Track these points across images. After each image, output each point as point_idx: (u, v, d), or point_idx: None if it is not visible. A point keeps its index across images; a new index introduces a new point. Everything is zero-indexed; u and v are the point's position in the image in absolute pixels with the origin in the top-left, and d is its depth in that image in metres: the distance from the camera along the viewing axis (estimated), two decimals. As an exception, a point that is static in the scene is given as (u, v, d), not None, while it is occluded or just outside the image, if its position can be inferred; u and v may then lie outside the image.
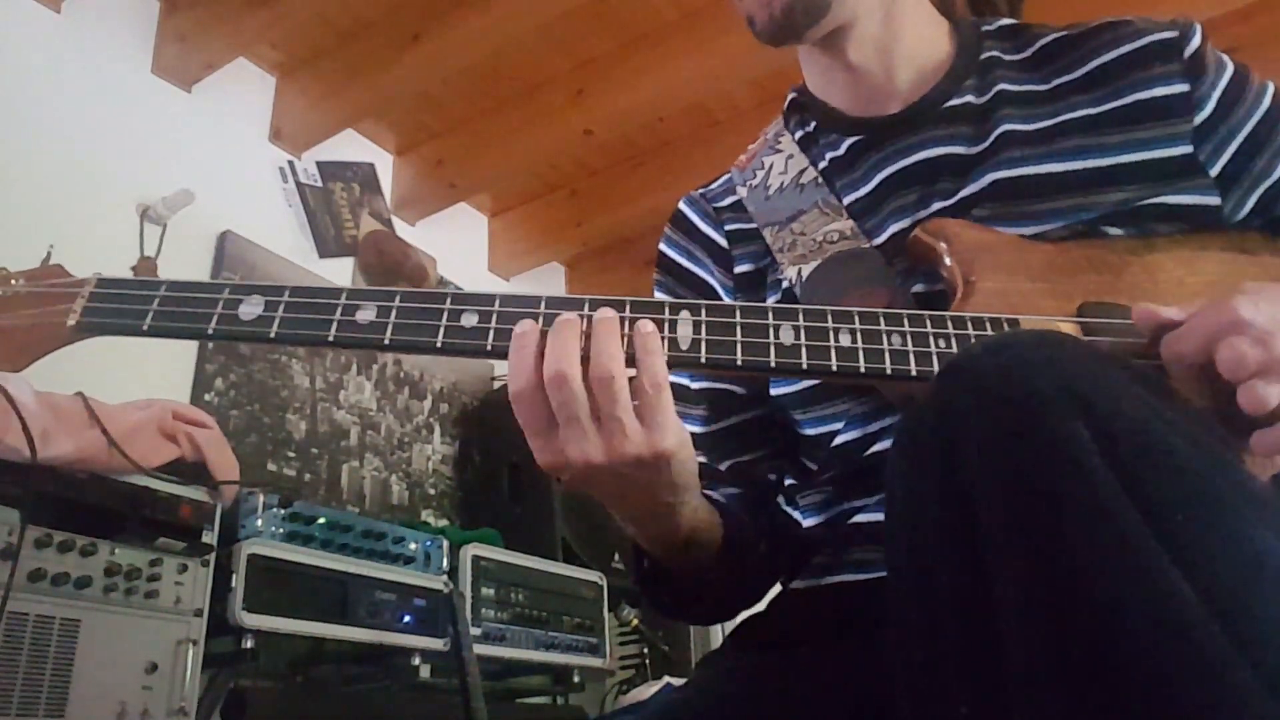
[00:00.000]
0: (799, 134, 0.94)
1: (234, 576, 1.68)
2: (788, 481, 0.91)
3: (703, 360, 0.67)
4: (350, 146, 3.08)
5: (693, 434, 0.91)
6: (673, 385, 0.92)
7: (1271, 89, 0.83)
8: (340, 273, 2.91)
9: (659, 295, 0.97)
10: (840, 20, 0.85)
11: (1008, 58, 0.88)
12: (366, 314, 0.68)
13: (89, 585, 1.47)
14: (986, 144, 0.83)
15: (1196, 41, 0.81)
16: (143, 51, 2.55)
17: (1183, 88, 0.80)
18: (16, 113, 2.18)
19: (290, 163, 2.89)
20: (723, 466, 0.90)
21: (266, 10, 2.47)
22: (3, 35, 2.22)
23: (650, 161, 3.26)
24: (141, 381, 1.94)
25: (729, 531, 0.79)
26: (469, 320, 0.67)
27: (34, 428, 1.38)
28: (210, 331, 0.69)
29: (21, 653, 1.37)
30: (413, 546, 2.05)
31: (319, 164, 2.97)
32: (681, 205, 0.98)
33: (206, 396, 2.35)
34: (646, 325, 0.64)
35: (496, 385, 3.16)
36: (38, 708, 1.36)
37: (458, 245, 3.42)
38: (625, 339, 0.64)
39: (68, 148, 2.26)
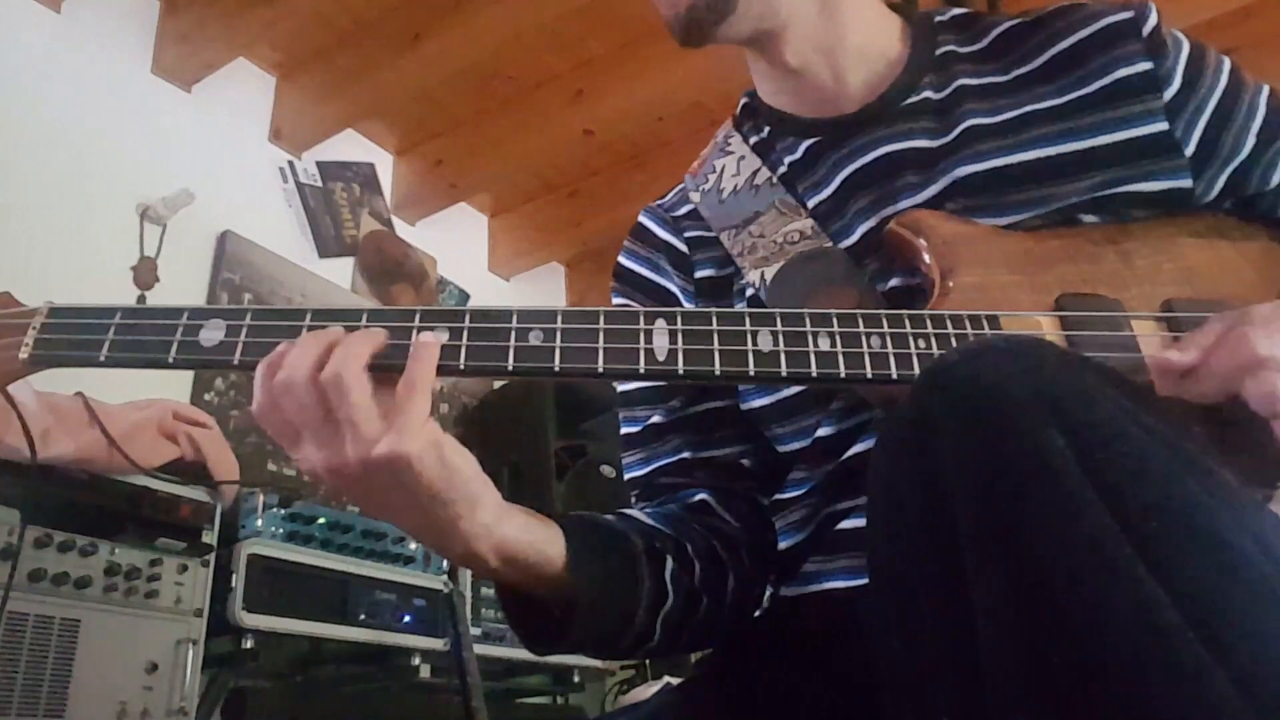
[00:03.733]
0: (754, 139, 0.92)
1: (234, 576, 1.69)
2: (768, 499, 0.87)
3: (680, 372, 0.66)
4: (350, 146, 3.08)
5: (658, 424, 0.88)
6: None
7: (1228, 62, 0.83)
8: (340, 273, 2.92)
9: (616, 301, 0.95)
10: (760, 21, 0.83)
11: (963, 50, 0.87)
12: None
13: (89, 585, 1.47)
14: (951, 138, 0.82)
15: (1154, 19, 0.81)
16: (143, 51, 2.55)
17: (1146, 66, 0.79)
18: (16, 113, 2.18)
19: (290, 163, 2.89)
20: (687, 455, 0.87)
21: (266, 10, 2.47)
22: (3, 35, 2.22)
23: (650, 161, 3.26)
24: (141, 381, 1.94)
25: (589, 555, 0.71)
26: (440, 339, 0.66)
27: (34, 428, 1.38)
28: (171, 360, 0.66)
29: (21, 653, 1.37)
30: (413, 546, 2.05)
31: (319, 164, 2.97)
32: (641, 217, 0.96)
33: (206, 396, 2.35)
34: (426, 336, 0.64)
35: (496, 385, 3.16)
36: (38, 708, 1.36)
37: (458, 245, 3.42)
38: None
39: (67, 148, 2.26)
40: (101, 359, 0.67)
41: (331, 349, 0.62)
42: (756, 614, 0.88)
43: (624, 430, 0.92)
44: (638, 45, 2.77)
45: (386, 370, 0.63)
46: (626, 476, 0.92)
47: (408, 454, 0.60)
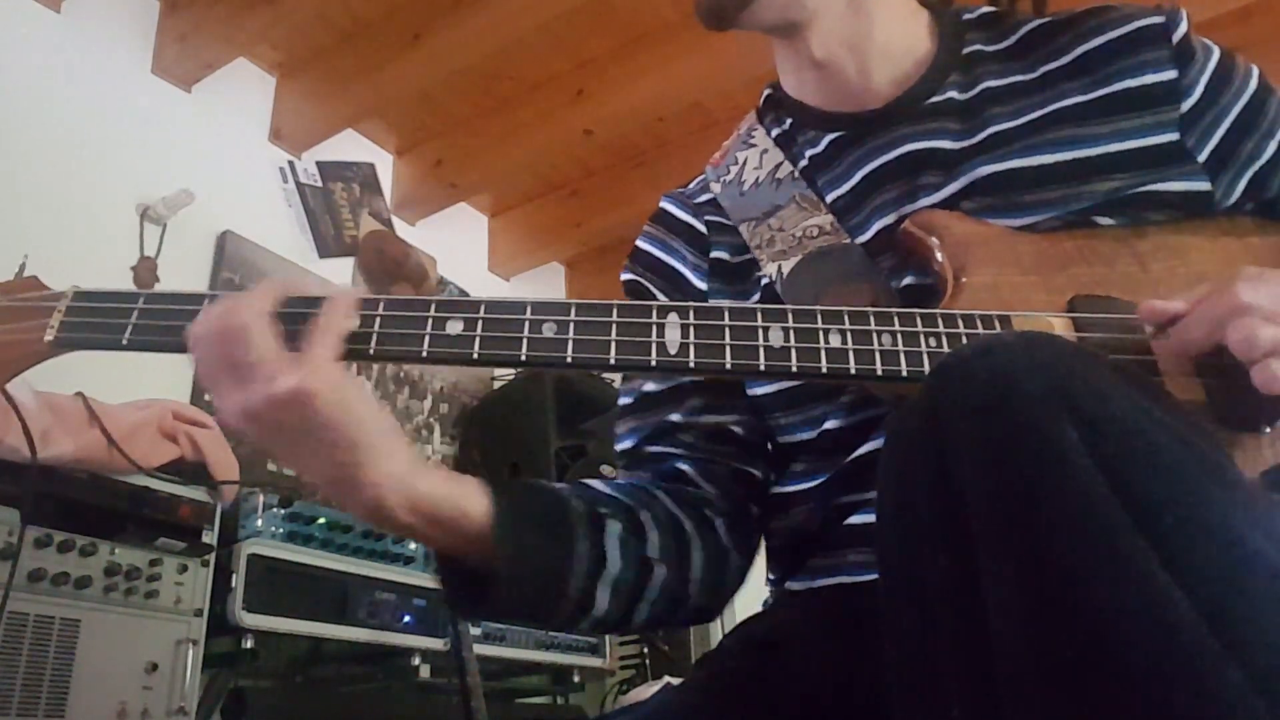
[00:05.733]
0: (775, 132, 0.93)
1: (234, 576, 1.68)
2: (776, 490, 0.87)
3: (691, 365, 0.66)
4: (350, 146, 3.08)
5: (652, 391, 0.88)
6: None
7: (1256, 71, 0.83)
8: (340, 273, 2.91)
9: (624, 277, 0.96)
10: (785, 11, 0.84)
11: (990, 49, 0.87)
12: (350, 322, 0.67)
13: (89, 585, 1.47)
14: (974, 140, 0.82)
15: (1184, 27, 0.81)
16: (143, 51, 2.55)
17: (1171, 74, 0.79)
18: (16, 113, 2.18)
19: (290, 163, 2.89)
20: (676, 418, 0.87)
21: (266, 10, 2.47)
22: (3, 35, 2.22)
23: (650, 161, 3.26)
24: (142, 381, 1.94)
25: (515, 513, 0.69)
26: (454, 328, 0.67)
27: (34, 428, 1.38)
28: None
29: (21, 653, 1.37)
30: (413, 546, 2.05)
31: (319, 164, 2.97)
32: (661, 202, 0.97)
33: (206, 396, 2.34)
34: (343, 297, 0.67)
35: (497, 385, 3.16)
36: (38, 708, 1.36)
37: (458, 245, 3.42)
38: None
39: (68, 148, 2.26)
40: (124, 342, 0.68)
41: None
42: (760, 608, 0.87)
43: (620, 402, 0.92)
44: (638, 45, 2.77)
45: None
46: (617, 449, 0.91)
47: (309, 389, 0.61)
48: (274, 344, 0.63)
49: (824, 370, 0.67)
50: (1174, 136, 0.78)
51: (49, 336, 0.69)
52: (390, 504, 0.65)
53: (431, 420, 3.04)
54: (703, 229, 0.92)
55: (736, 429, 0.86)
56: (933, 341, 0.67)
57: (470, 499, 0.68)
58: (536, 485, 0.76)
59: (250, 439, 0.65)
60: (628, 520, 0.76)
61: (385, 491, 0.65)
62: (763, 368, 0.67)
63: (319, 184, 2.95)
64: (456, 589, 0.71)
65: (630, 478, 0.86)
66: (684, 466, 0.85)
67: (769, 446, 0.87)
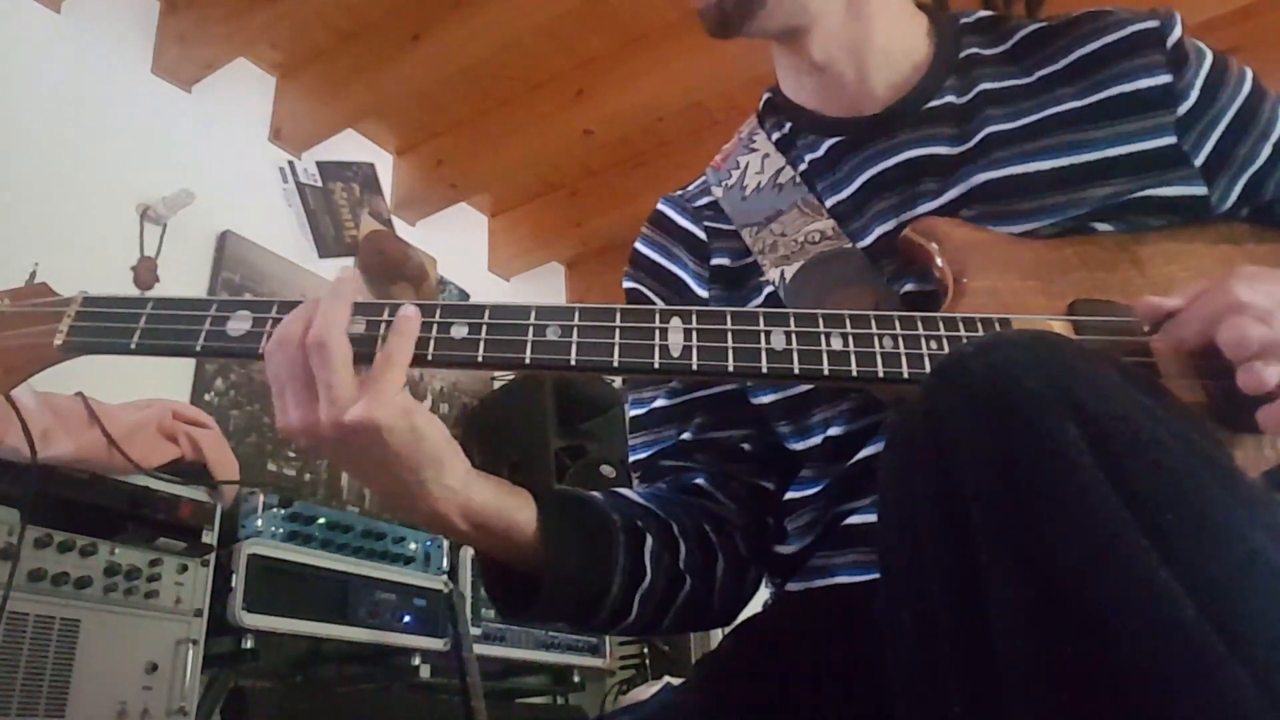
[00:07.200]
0: (775, 136, 0.93)
1: (234, 576, 1.69)
2: (786, 496, 0.87)
3: (694, 368, 0.67)
4: (350, 146, 3.08)
5: (663, 408, 0.89)
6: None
7: (1250, 74, 0.83)
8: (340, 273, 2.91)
9: (626, 285, 0.96)
10: (789, 18, 0.85)
11: (987, 52, 0.87)
12: (357, 327, 0.68)
13: (89, 585, 1.47)
14: (971, 145, 0.82)
15: (1178, 31, 0.81)
16: (143, 51, 2.55)
17: (1166, 79, 0.80)
18: (16, 113, 2.18)
19: (290, 163, 2.89)
20: (687, 437, 0.88)
21: (266, 10, 2.47)
22: (3, 35, 2.22)
23: (650, 161, 3.26)
24: (141, 381, 1.94)
25: (561, 526, 0.73)
26: (459, 332, 0.68)
27: (34, 428, 1.38)
28: (198, 349, 0.69)
29: (21, 653, 1.37)
30: (413, 546, 2.05)
31: (319, 164, 2.97)
32: (660, 205, 0.98)
33: (206, 396, 2.35)
34: (408, 309, 0.68)
35: (497, 385, 3.16)
36: (38, 708, 1.36)
37: (458, 245, 3.42)
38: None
39: (68, 148, 2.26)
40: (132, 347, 0.70)
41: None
42: (760, 609, 0.88)
43: (631, 414, 0.94)
44: (638, 45, 2.77)
45: (370, 345, 0.67)
46: (631, 459, 0.93)
47: (377, 422, 0.64)
48: (348, 367, 0.65)
49: (826, 372, 0.67)
50: (1170, 140, 0.79)
51: (58, 341, 0.70)
52: (446, 514, 0.69)
53: (431, 420, 3.03)
54: (703, 236, 0.93)
55: (745, 445, 0.88)
56: (934, 344, 0.68)
57: (519, 510, 0.73)
58: (580, 498, 0.80)
59: (307, 448, 0.68)
60: (661, 533, 0.80)
61: (442, 504, 0.69)
62: (765, 370, 0.67)
63: (319, 184, 2.95)
64: (503, 593, 0.76)
65: (652, 488, 0.88)
66: (702, 481, 0.87)
67: (778, 457, 0.88)
